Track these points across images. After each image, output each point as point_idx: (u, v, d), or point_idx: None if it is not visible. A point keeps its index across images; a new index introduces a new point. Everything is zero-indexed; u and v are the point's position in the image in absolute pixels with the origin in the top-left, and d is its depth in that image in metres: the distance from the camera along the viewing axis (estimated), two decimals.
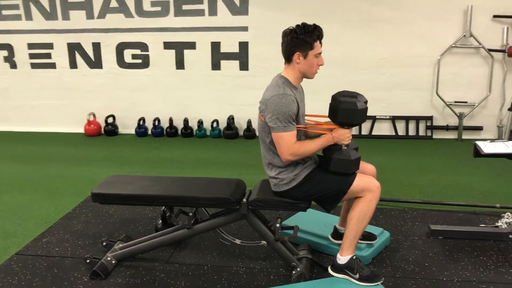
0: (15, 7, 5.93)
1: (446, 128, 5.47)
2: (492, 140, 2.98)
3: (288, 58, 2.45)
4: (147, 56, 5.85)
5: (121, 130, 6.14)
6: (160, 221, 3.04)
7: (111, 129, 6.03)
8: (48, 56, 6.06)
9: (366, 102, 2.40)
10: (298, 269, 2.56)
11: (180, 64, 5.79)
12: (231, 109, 5.81)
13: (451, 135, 5.51)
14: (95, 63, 5.99)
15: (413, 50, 5.34)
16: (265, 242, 2.70)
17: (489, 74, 5.29)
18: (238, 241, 2.80)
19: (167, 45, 5.75)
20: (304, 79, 2.56)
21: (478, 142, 2.93)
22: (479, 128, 5.46)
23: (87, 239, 3.12)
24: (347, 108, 2.36)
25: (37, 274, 2.70)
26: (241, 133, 5.81)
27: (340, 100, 2.38)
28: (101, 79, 6.03)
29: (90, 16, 5.81)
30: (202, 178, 2.96)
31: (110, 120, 6.05)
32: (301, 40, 2.35)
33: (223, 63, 5.68)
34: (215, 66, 5.71)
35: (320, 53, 2.40)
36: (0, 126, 6.39)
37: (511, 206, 3.44)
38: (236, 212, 2.59)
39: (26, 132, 6.28)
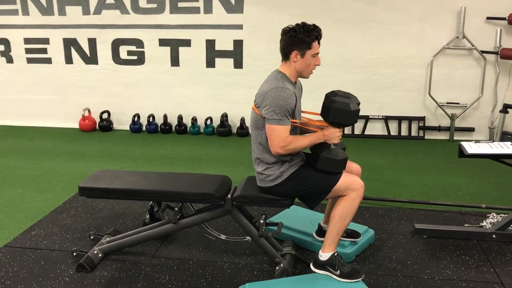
0: (12, 1, 5.95)
1: (438, 129, 5.51)
2: (477, 141, 3.01)
3: (285, 56, 2.47)
4: (142, 53, 5.87)
5: (116, 126, 6.17)
6: (148, 215, 3.07)
7: (105, 125, 6.06)
8: (44, 51, 6.09)
9: (359, 104, 2.42)
10: (282, 265, 2.60)
11: (175, 61, 5.82)
12: (225, 106, 5.84)
13: (443, 136, 5.55)
14: (91, 58, 6.01)
15: (406, 50, 5.37)
16: (249, 238, 2.74)
17: (481, 75, 5.32)
18: (223, 237, 2.83)
19: (163, 42, 5.78)
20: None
21: (462, 143, 2.97)
22: (471, 130, 5.49)
23: (76, 233, 3.16)
24: (340, 108, 2.37)
25: (24, 266, 2.74)
26: (234, 130, 5.84)
27: (334, 100, 2.40)
28: (97, 75, 6.05)
29: (86, 11, 5.83)
30: (188, 174, 3.00)
31: (105, 116, 6.08)
32: (299, 39, 2.37)
33: (218, 60, 5.71)
34: (210, 63, 5.73)
35: (317, 53, 2.43)
36: None
37: (497, 206, 3.48)
38: (221, 207, 2.62)
39: (21, 127, 6.31)
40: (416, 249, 2.93)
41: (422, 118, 5.53)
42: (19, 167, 4.61)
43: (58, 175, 4.37)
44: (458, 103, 5.41)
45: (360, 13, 5.31)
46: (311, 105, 5.76)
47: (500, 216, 3.21)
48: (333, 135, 2.44)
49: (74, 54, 6.03)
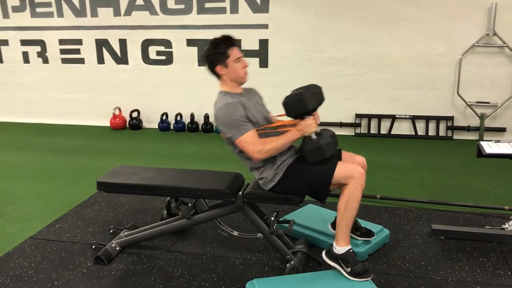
0: (48, 4, 6.20)
1: (467, 129, 5.38)
2: (498, 141, 2.93)
3: (215, 74, 2.61)
4: (170, 53, 6.00)
5: (145, 124, 6.33)
6: (165, 211, 3.15)
7: (135, 123, 6.22)
8: (78, 51, 6.31)
9: (314, 88, 2.56)
10: (292, 262, 2.62)
11: (202, 61, 5.91)
12: None
13: (472, 136, 5.41)
14: (121, 59, 6.19)
15: (434, 49, 5.26)
16: (261, 234, 2.77)
17: None
18: (235, 233, 2.88)
19: (190, 42, 5.88)
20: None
21: (482, 142, 2.90)
22: (502, 130, 5.33)
23: (97, 227, 3.27)
24: (289, 102, 2.48)
25: (46, 257, 2.86)
26: None
27: (285, 98, 2.51)
28: (127, 75, 6.22)
29: (117, 13, 6.01)
30: (203, 171, 3.06)
31: (134, 114, 6.25)
32: (214, 54, 2.52)
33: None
34: None
35: (239, 58, 2.53)
36: (32, 118, 6.69)
37: None
38: (232, 204, 2.66)
39: (55, 124, 6.56)
40: (431, 250, 2.88)
41: (451, 118, 5.41)
42: (50, 163, 4.80)
43: (86, 171, 4.53)
44: (488, 102, 5.26)
45: (387, 11, 5.25)
46: (339, 105, 5.78)
47: None
48: (306, 125, 2.47)
49: (106, 54, 6.22)
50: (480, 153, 2.83)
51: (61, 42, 6.34)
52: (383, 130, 5.62)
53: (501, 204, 3.48)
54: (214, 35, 5.85)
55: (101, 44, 6.19)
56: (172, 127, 6.15)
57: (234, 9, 5.62)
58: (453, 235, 3.01)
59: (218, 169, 4.38)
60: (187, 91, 6.05)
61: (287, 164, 2.53)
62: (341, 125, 5.66)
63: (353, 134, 5.68)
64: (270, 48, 5.65)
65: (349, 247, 2.46)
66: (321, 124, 5.52)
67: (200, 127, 6.06)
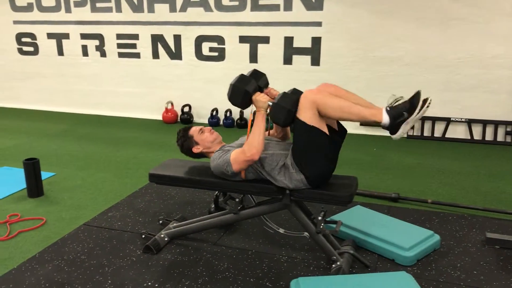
0: (107, 0, 6.40)
1: None
2: None
3: (196, 156, 2.91)
4: (223, 50, 6.06)
5: (196, 119, 6.43)
6: (213, 205, 3.19)
7: (186, 118, 6.34)
8: (134, 46, 6.49)
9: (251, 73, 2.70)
10: (338, 263, 2.59)
11: (253, 58, 5.94)
12: None
13: None
14: (175, 54, 6.32)
15: (493, 50, 5.04)
16: (307, 233, 2.76)
17: None
18: (281, 230, 2.88)
19: (242, 39, 5.92)
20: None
21: None
22: None
23: (147, 217, 3.36)
24: (228, 94, 2.64)
25: (98, 243, 2.97)
26: None
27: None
28: (180, 70, 6.35)
29: (173, 9, 6.13)
30: None
31: (186, 109, 6.36)
32: (185, 142, 2.88)
33: (295, 58, 5.75)
34: (287, 60, 5.79)
35: (199, 131, 2.86)
36: (89, 110, 6.96)
37: None
38: (279, 201, 2.67)
39: (110, 116, 6.79)
40: (484, 259, 2.77)
41: (510, 123, 5.17)
42: (105, 153, 4.98)
43: (138, 162, 4.66)
44: None
45: (443, 10, 5.07)
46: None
47: None
48: (258, 101, 2.58)
49: (161, 49, 6.37)
50: None
51: (118, 36, 6.54)
52: (437, 133, 5.45)
53: None
54: (268, 32, 5.92)
55: (157, 39, 6.34)
56: (221, 122, 6.21)
57: (288, 6, 5.61)
58: (509, 245, 2.88)
59: None
60: None
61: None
62: None
63: (406, 136, 5.54)
64: (323, 46, 5.60)
65: (382, 110, 2.39)
66: (373, 125, 5.45)
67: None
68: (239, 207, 2.77)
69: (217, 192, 3.15)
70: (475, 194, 3.81)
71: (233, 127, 6.14)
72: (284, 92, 2.62)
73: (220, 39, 6.03)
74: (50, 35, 6.90)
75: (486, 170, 4.43)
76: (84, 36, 6.71)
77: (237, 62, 6.00)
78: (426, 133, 5.46)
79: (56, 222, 3.31)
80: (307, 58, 5.69)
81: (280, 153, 2.63)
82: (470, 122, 5.29)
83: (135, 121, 6.55)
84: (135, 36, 6.45)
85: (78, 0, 6.56)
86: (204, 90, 6.30)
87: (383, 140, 5.41)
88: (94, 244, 2.97)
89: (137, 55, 6.51)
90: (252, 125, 2.61)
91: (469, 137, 5.33)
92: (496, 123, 5.21)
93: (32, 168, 3.70)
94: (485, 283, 2.53)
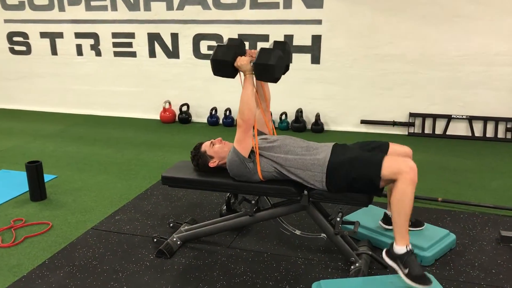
0: None
1: None
2: None
3: (215, 170, 2.78)
4: None
5: (194, 118, 6.36)
6: (225, 207, 3.14)
7: (185, 117, 6.26)
8: (130, 45, 6.39)
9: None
10: (357, 264, 2.56)
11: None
12: (300, 102, 5.82)
13: None
14: (173, 53, 6.23)
15: (496, 47, 5.04)
16: (324, 235, 2.72)
17: None
18: (298, 232, 2.84)
19: (242, 37, 5.84)
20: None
21: None
22: None
23: (156, 220, 3.30)
24: (212, 69, 2.76)
25: (109, 248, 2.90)
26: (309, 126, 5.81)
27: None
28: (178, 69, 6.26)
29: (170, 7, 6.04)
30: None
31: (184, 108, 6.28)
32: (199, 160, 2.80)
33: (295, 56, 5.66)
34: None
35: (210, 143, 2.81)
36: (84, 110, 6.84)
37: None
38: (297, 203, 2.62)
39: (107, 116, 6.67)
40: (501, 258, 2.76)
41: (511, 120, 5.18)
42: (105, 154, 4.88)
43: (140, 163, 4.58)
44: None
45: (447, 7, 5.06)
46: (394, 102, 5.66)
47: None
48: (241, 65, 2.63)
49: (157, 48, 6.28)
50: None
51: (114, 35, 6.43)
52: (438, 130, 5.44)
53: None
54: (267, 30, 5.85)
55: (153, 38, 6.25)
56: (221, 121, 6.15)
57: (288, 4, 5.55)
58: None
59: None
60: (237, 86, 5.96)
61: (326, 161, 2.50)
62: (394, 124, 5.53)
63: (406, 133, 5.53)
64: (323, 44, 5.56)
65: (408, 246, 2.34)
66: (373, 122, 5.45)
67: None
68: (254, 209, 2.73)
69: (228, 193, 3.10)
70: (483, 192, 3.80)
71: (233, 126, 6.07)
72: (262, 48, 2.57)
73: (218, 38, 5.96)
74: (43, 34, 6.76)
75: (489, 167, 4.43)
76: (78, 35, 6.59)
77: None
78: (427, 130, 5.46)
79: (63, 226, 3.23)
80: (307, 57, 5.65)
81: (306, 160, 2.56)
82: (471, 119, 5.30)
83: (132, 121, 6.45)
84: (131, 35, 6.35)
85: None
86: (203, 89, 6.22)
87: (384, 138, 5.37)
88: (104, 249, 2.90)
89: (133, 54, 6.41)
90: None
91: (470, 134, 5.33)
92: (497, 120, 5.23)
93: (35, 171, 3.61)
94: (505, 282, 2.52)
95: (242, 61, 2.59)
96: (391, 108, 5.52)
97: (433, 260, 2.70)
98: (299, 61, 5.69)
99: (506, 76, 5.10)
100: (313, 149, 2.60)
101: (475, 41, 5.08)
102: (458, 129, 5.40)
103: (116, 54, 6.49)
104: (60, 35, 6.68)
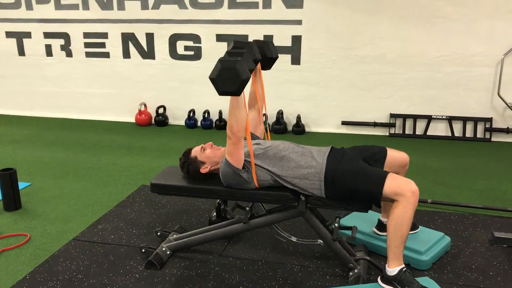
0: None
1: (506, 130, 5.22)
2: None
3: (207, 177, 2.64)
4: (199, 48, 5.86)
5: (171, 121, 6.19)
6: (215, 213, 3.02)
7: (161, 120, 6.09)
8: (103, 45, 6.17)
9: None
10: (356, 270, 2.50)
11: None
12: (281, 103, 5.75)
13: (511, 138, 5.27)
14: (148, 53, 6.05)
15: (474, 48, 5.10)
16: (321, 241, 2.64)
17: None
18: (294, 239, 2.75)
19: (220, 38, 5.73)
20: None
21: None
22: None
23: (141, 228, 3.15)
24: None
25: (94, 260, 2.74)
26: (290, 128, 5.74)
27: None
28: (153, 70, 6.08)
29: (144, 6, 5.86)
30: None
31: (160, 110, 6.11)
32: (190, 166, 2.64)
33: None
34: None
35: (201, 149, 2.66)
36: (55, 113, 6.56)
37: None
38: (294, 209, 2.53)
39: (79, 120, 6.43)
40: (497, 260, 2.75)
41: (489, 119, 5.25)
42: (80, 160, 4.68)
43: (119, 169, 4.40)
44: None
45: (426, 8, 5.08)
46: (374, 103, 5.66)
47: None
48: None
49: (132, 48, 6.08)
50: None
51: (86, 35, 6.19)
52: (418, 131, 5.47)
53: None
54: (246, 30, 5.75)
55: (127, 38, 6.05)
56: (199, 124, 6.01)
57: (267, 3, 5.46)
58: None
59: None
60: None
61: (323, 168, 2.41)
62: (375, 125, 5.52)
63: (387, 134, 5.53)
64: (303, 44, 5.50)
65: (402, 266, 2.30)
66: (355, 124, 5.43)
67: None
68: (248, 216, 2.62)
69: (218, 200, 2.99)
70: (470, 192, 3.81)
71: (212, 129, 5.94)
72: (220, 60, 2.27)
73: (196, 38, 5.82)
74: (9, 34, 6.45)
75: (471, 167, 4.46)
76: (47, 35, 6.32)
77: (215, 61, 5.73)
78: (408, 130, 5.48)
79: (42, 237, 3.05)
80: (287, 57, 5.57)
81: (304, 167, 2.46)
82: (450, 119, 5.34)
83: (106, 124, 6.23)
84: (104, 35, 6.13)
85: None
86: (180, 90, 6.07)
87: (366, 139, 5.38)
88: (89, 261, 2.74)
89: (106, 55, 6.19)
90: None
91: (450, 134, 5.38)
92: (476, 120, 5.29)
93: (9, 179, 3.40)
94: (504, 285, 2.50)
95: None
96: (372, 109, 5.51)
97: (430, 264, 2.67)
98: (279, 62, 5.53)
99: (484, 77, 5.16)
100: (309, 153, 2.51)
101: (453, 42, 5.12)
102: (438, 129, 5.43)
103: (88, 54, 6.25)
104: (27, 34, 6.39)
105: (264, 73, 5.70)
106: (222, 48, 5.74)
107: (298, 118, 5.64)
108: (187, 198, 3.57)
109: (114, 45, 6.13)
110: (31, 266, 2.68)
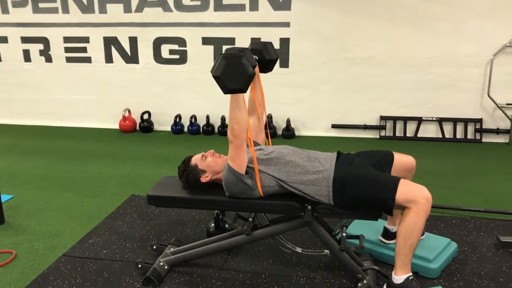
0: (52, 0, 5.84)
1: (496, 131, 5.22)
2: None
3: (207, 186, 2.52)
4: (184, 52, 5.71)
5: (157, 127, 6.02)
6: (213, 224, 2.88)
7: (146, 126, 5.91)
8: (84, 50, 5.97)
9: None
10: (365, 281, 2.39)
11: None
12: (270, 107, 5.60)
13: (502, 139, 5.26)
14: (132, 58, 5.87)
15: (464, 49, 5.08)
16: (327, 251, 2.54)
17: None
18: (299, 250, 2.64)
19: (206, 41, 5.60)
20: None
21: None
22: None
23: (135, 242, 2.99)
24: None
25: (87, 278, 2.58)
26: (279, 132, 5.64)
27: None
28: (137, 75, 5.91)
29: (127, 9, 5.69)
30: None
31: (145, 116, 5.94)
32: (189, 175, 2.52)
33: None
34: None
35: (202, 157, 2.54)
36: (34, 121, 6.33)
37: None
38: (299, 219, 2.42)
39: (60, 127, 6.20)
40: (505, 265, 2.68)
41: (479, 120, 5.25)
42: (65, 170, 4.48)
43: (106, 178, 4.23)
44: None
45: (415, 10, 5.04)
46: (364, 105, 5.60)
47: None
48: None
49: (115, 53, 5.90)
50: None
51: (66, 40, 5.98)
52: (409, 133, 5.43)
53: None
54: (233, 33, 5.63)
55: (110, 42, 5.86)
56: (186, 129, 5.85)
57: (254, 6, 5.36)
58: None
59: None
60: (202, 92, 5.75)
61: (332, 174, 2.31)
62: (365, 127, 5.46)
63: (378, 137, 5.48)
64: (292, 47, 5.41)
65: (409, 274, 2.23)
66: (344, 126, 5.36)
67: (216, 129, 5.78)
68: (251, 227, 2.50)
69: (217, 210, 2.85)
70: (468, 195, 3.76)
71: (199, 134, 5.79)
72: (222, 56, 2.11)
73: (181, 41, 5.67)
74: None
75: (467, 169, 4.42)
76: (25, 39, 6.08)
77: (201, 65, 5.65)
78: (398, 133, 5.43)
79: (29, 254, 2.86)
80: None
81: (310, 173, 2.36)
82: (441, 121, 5.32)
83: (89, 131, 6.02)
84: (85, 39, 5.92)
85: (17, 0, 5.93)
86: (165, 95, 5.91)
87: (356, 142, 5.31)
88: (82, 278, 2.57)
89: (88, 60, 5.99)
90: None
91: (440, 136, 5.35)
92: (466, 121, 5.27)
93: None
94: None
95: None
96: (362, 111, 5.45)
97: (439, 271, 2.58)
98: None
99: (473, 78, 5.15)
100: (315, 159, 2.41)
101: (443, 43, 5.10)
102: (429, 131, 5.40)
103: (69, 59, 6.04)
104: (4, 39, 6.15)
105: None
106: (208, 52, 5.62)
107: (288, 122, 5.54)
108: (180, 208, 3.42)
109: (96, 49, 5.93)
110: (18, 287, 2.50)
